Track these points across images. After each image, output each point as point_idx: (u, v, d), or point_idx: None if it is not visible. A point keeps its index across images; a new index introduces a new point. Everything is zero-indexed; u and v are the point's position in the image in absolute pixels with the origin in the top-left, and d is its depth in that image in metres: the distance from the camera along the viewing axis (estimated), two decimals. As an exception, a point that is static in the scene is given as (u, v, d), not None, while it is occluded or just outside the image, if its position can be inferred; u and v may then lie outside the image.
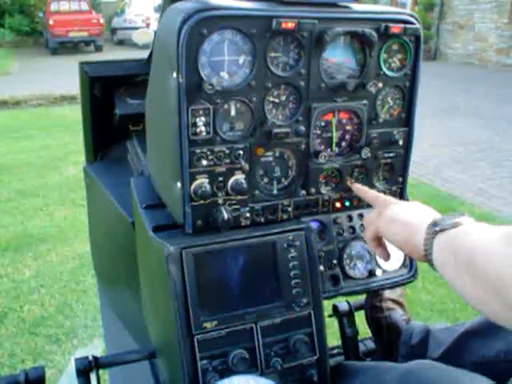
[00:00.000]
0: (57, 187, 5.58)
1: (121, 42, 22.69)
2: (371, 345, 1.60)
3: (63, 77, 12.40)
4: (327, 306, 1.53)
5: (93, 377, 1.24)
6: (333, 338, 1.81)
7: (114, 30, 23.61)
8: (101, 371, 1.25)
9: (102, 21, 20.52)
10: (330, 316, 1.51)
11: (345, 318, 1.48)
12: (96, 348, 2.96)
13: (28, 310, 3.35)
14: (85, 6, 21.22)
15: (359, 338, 1.53)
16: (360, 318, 1.54)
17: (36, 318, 3.27)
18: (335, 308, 1.49)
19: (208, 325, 0.98)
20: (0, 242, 4.30)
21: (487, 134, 7.52)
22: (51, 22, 19.30)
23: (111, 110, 1.61)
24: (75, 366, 1.22)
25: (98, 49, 20.20)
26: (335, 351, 1.58)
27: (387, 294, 1.54)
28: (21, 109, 9.99)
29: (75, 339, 3.10)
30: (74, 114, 7.73)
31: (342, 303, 1.49)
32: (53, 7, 20.52)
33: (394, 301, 1.56)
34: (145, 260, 1.18)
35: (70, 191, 5.32)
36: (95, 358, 1.23)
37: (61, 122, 8.30)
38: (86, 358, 1.23)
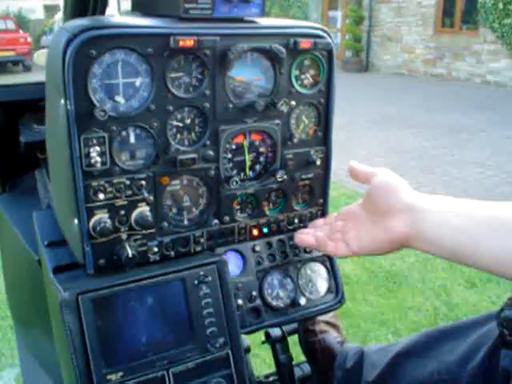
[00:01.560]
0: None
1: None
2: (307, 368, 1.54)
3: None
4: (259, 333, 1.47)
5: None
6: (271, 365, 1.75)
7: (43, 49, 22.95)
8: None
9: (29, 39, 19.89)
10: (263, 343, 1.45)
11: (278, 344, 1.41)
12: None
13: None
14: (11, 25, 20.49)
15: (295, 362, 1.47)
16: (295, 340, 1.48)
17: (-44, 360, 3.03)
18: (267, 334, 1.42)
19: (112, 377, 0.88)
20: None
21: (419, 142, 7.75)
22: (-24, 42, 18.52)
23: (16, 136, 1.49)
24: None
25: (27, 69, 19.51)
26: (271, 379, 1.52)
27: (320, 316, 1.49)
28: None
29: (1, 381, 2.89)
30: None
31: (275, 329, 1.43)
32: (-23, 27, 19.72)
33: (327, 323, 1.51)
34: (51, 302, 1.08)
35: None
36: None
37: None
38: None
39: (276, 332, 1.42)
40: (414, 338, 1.25)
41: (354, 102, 10.40)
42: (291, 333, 1.47)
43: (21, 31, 20.50)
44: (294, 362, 1.45)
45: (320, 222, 1.15)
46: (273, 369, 1.54)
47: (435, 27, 14.67)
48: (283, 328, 1.44)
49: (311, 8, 18.59)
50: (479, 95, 11.83)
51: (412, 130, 8.52)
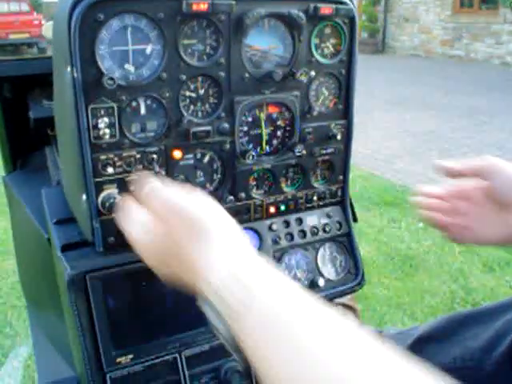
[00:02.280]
0: (-4, 197, 5.30)
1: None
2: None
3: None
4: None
5: None
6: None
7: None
8: None
9: (43, 21, 19.85)
10: None
11: None
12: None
13: (-37, 332, 3.12)
14: (25, 7, 20.47)
15: None
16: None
17: (-28, 340, 3.05)
18: None
19: (122, 359, 0.84)
20: None
21: (436, 124, 7.61)
22: (-10, 25, 18.56)
23: (26, 113, 1.45)
24: None
25: (41, 51, 19.53)
26: None
27: (337, 299, 1.45)
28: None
29: (16, 360, 2.90)
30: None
31: None
32: (-9, 9, 19.74)
33: (344, 305, 1.47)
34: (60, 282, 1.04)
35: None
36: None
37: None
38: None
39: None
40: (436, 323, 1.21)
41: (370, 84, 10.23)
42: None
43: (35, 13, 20.49)
44: None
45: (431, 192, 1.06)
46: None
47: (454, 7, 14.34)
48: None
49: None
50: (498, 77, 11.58)
51: (429, 111, 8.37)
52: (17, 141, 1.52)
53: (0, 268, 3.87)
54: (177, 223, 0.66)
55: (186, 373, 0.89)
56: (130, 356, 0.85)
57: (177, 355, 0.89)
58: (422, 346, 1.19)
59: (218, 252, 0.63)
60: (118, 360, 0.84)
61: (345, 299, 1.47)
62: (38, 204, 1.25)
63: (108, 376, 0.84)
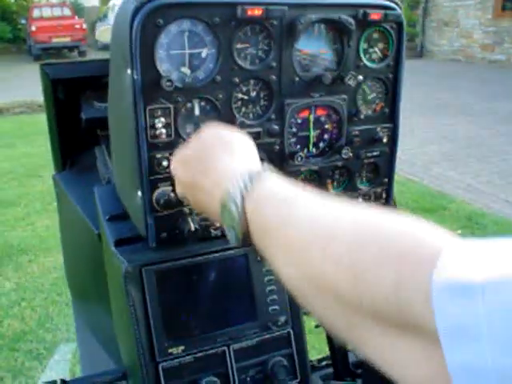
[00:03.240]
0: (39, 196, 5.45)
1: (105, 48, 22.47)
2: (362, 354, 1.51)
3: (46, 83, 12.22)
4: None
5: None
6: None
7: (106, 26, 23.42)
8: None
9: (84, 26, 20.34)
10: (317, 326, 1.42)
11: None
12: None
13: (8, 325, 3.23)
14: (67, 12, 21.04)
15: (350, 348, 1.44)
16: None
17: (16, 333, 3.15)
18: None
19: (174, 350, 0.88)
20: (-21, 254, 4.17)
21: (475, 130, 7.48)
22: (34, 29, 19.10)
23: (77, 114, 1.51)
24: None
25: (82, 54, 20.00)
26: (324, 363, 1.49)
27: None
28: (2, 117, 9.83)
29: (57, 354, 2.99)
30: (57, 121, 7.63)
31: None
32: (35, 13, 20.32)
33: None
34: (111, 276, 1.08)
35: (53, 200, 5.11)
36: (64, 381, 1.13)
37: (44, 129, 8.03)
38: (55, 382, 1.13)
39: None
40: None
41: (408, 89, 10.06)
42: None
43: (76, 18, 21.01)
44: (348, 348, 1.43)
45: None
46: (323, 355, 1.52)
47: (495, 11, 14.07)
48: None
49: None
50: (540, 82, 11.32)
51: (468, 117, 8.24)
52: (67, 141, 1.58)
53: (42, 265, 3.99)
54: (211, 141, 0.77)
55: (234, 366, 0.92)
56: (182, 347, 0.88)
57: (225, 348, 0.92)
58: None
59: (240, 162, 0.73)
60: (170, 351, 0.88)
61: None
62: (87, 202, 1.30)
63: (160, 366, 0.87)
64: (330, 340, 1.40)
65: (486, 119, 8.06)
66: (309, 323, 1.42)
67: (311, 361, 1.54)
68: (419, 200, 4.95)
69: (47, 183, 5.81)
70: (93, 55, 20.08)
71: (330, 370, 1.42)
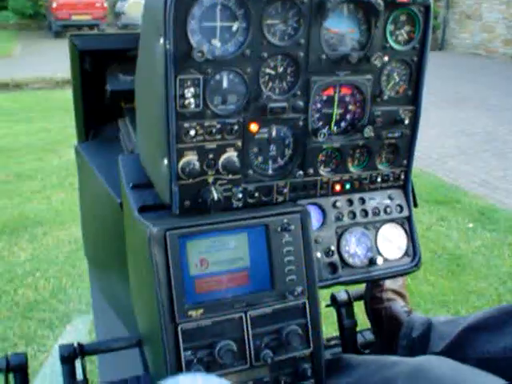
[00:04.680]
0: (55, 170, 5.52)
1: (125, 27, 22.49)
2: (370, 336, 1.54)
3: (66, 60, 12.26)
4: (326, 295, 1.47)
5: (78, 364, 1.18)
6: (332, 329, 1.75)
7: (117, 15, 23.42)
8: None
9: (105, 4, 20.33)
10: (327, 306, 1.45)
11: (343, 309, 1.41)
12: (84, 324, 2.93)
13: (22, 294, 3.30)
14: (88, -10, 21.03)
15: (358, 329, 1.46)
16: (359, 308, 1.47)
17: (30, 302, 3.22)
18: (333, 298, 1.42)
19: (193, 313, 0.91)
20: (-4, 225, 4.25)
21: (493, 125, 7.41)
22: (54, 5, 19.10)
23: (103, 85, 1.53)
24: (59, 353, 1.16)
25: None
26: (332, 342, 1.52)
27: (388, 284, 1.47)
28: (22, 91, 9.91)
29: (69, 324, 3.05)
30: (75, 98, 7.71)
31: (341, 293, 1.43)
32: (56, -10, 20.34)
33: (395, 291, 1.49)
34: (131, 243, 1.12)
35: (69, 175, 5.25)
36: (80, 345, 1.17)
37: (61, 105, 8.20)
38: (71, 344, 1.17)
39: (342, 296, 1.41)
40: (487, 313, 1.22)
41: (427, 81, 9.99)
42: (357, 298, 1.46)
43: (97, -4, 20.99)
44: (357, 329, 1.45)
45: None
46: (331, 335, 1.55)
47: (519, 6, 13.87)
48: (350, 292, 1.43)
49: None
50: (563, 80, 11.15)
51: (486, 112, 8.16)
52: (91, 112, 1.60)
53: (56, 238, 4.06)
54: None
55: (250, 331, 0.95)
56: (201, 311, 0.91)
57: (243, 314, 0.95)
58: (471, 335, 1.20)
59: None
60: (190, 313, 0.91)
61: (395, 285, 1.50)
62: (109, 171, 1.33)
63: (179, 327, 0.90)
64: (340, 320, 1.42)
65: (505, 115, 7.98)
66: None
67: (323, 344, 1.58)
68: (432, 192, 4.95)
69: (64, 158, 5.88)
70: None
71: (339, 349, 1.45)
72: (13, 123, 7.45)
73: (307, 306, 1.00)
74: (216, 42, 0.90)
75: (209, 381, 0.73)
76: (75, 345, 1.17)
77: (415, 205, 1.19)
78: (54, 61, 13.06)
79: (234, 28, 0.91)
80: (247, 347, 0.95)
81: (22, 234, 4.11)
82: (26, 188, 5.05)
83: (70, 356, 1.15)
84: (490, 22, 14.70)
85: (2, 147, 6.29)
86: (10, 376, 1.16)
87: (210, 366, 0.92)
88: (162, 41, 0.86)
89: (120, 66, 1.55)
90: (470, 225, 4.34)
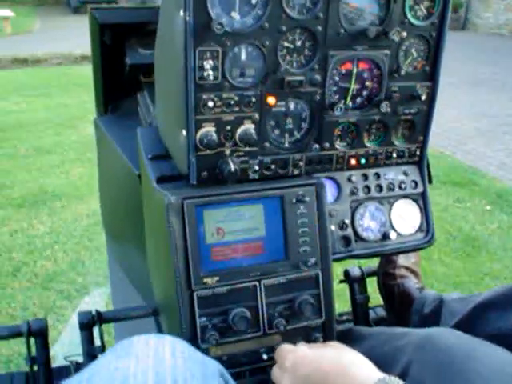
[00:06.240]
0: (74, 146, 5.58)
1: (143, 1, 22.40)
2: (382, 313, 1.56)
3: (84, 36, 12.27)
4: (340, 273, 1.49)
5: (96, 331, 1.22)
6: (345, 306, 1.78)
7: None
8: (106, 325, 1.24)
9: (124, -20, 20.24)
10: (341, 282, 1.47)
11: (356, 284, 1.43)
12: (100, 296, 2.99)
13: (41, 266, 3.38)
14: (107, -35, 20.92)
15: (370, 305, 1.48)
16: (372, 286, 1.49)
17: (49, 274, 3.29)
18: (346, 273, 1.44)
19: (209, 280, 0.94)
20: (15, 198, 4.32)
21: (514, 108, 7.31)
22: (73, -20, 19.09)
23: (122, 59, 1.55)
24: (78, 320, 1.20)
25: (120, 9, 19.98)
26: (344, 317, 1.55)
27: (401, 261, 1.49)
28: (41, 67, 9.97)
29: (86, 295, 3.12)
30: (94, 74, 7.75)
31: (354, 268, 1.45)
32: (75, -35, 20.28)
33: (407, 268, 1.51)
34: (149, 213, 1.14)
35: (87, 150, 5.30)
36: (98, 312, 1.21)
37: (80, 81, 8.26)
38: (90, 312, 1.21)
39: (355, 272, 1.43)
40: (499, 290, 1.22)
41: (447, 62, 9.77)
42: (370, 274, 1.48)
43: (116, -30, 20.90)
44: (369, 305, 1.47)
45: None
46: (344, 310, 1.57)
47: (546, -15, 13.53)
48: (362, 268, 1.45)
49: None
50: None
51: (508, 94, 8.02)
52: (110, 86, 1.62)
53: (74, 211, 4.13)
54: (334, 373, 0.82)
55: (264, 300, 0.98)
56: (216, 278, 0.94)
57: (256, 283, 0.98)
58: (483, 312, 1.21)
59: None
60: (205, 280, 0.94)
61: (408, 262, 1.51)
62: (128, 144, 1.35)
63: (195, 294, 0.93)
64: (353, 295, 1.44)
65: (527, 97, 7.86)
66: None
67: (334, 315, 1.60)
68: (451, 174, 4.91)
69: (82, 133, 5.94)
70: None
71: (351, 324, 1.47)
72: (33, 98, 7.53)
73: (320, 277, 1.02)
74: (235, 15, 0.91)
75: (161, 340, 0.75)
76: (93, 312, 1.21)
77: (430, 181, 1.20)
78: (73, 36, 13.09)
79: (253, 1, 0.91)
80: (261, 315, 0.98)
81: (41, 207, 4.18)
82: (44, 162, 5.12)
83: (89, 323, 1.19)
84: (514, 2, 14.37)
85: (22, 122, 6.37)
86: (32, 340, 1.21)
87: (223, 332, 0.95)
88: (181, 13, 0.88)
89: (139, 39, 1.56)
90: (488, 207, 4.31)
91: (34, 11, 19.60)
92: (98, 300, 3.06)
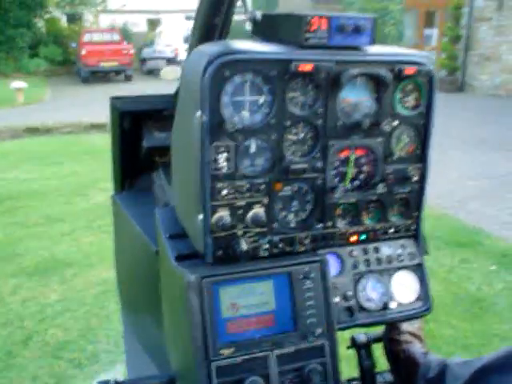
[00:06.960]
0: (84, 213, 5.72)
1: (150, 72, 23.22)
2: (389, 378, 1.60)
3: (93, 105, 12.73)
4: (346, 338, 1.55)
5: None
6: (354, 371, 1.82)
7: (143, 61, 24.21)
8: None
9: (132, 51, 21.11)
10: (348, 348, 1.53)
11: (362, 350, 1.50)
12: (118, 373, 3.00)
13: (52, 334, 3.42)
14: (116, 37, 21.92)
15: (378, 370, 1.54)
16: (380, 350, 1.55)
17: (60, 342, 3.34)
18: (353, 340, 1.50)
19: (225, 351, 1.02)
20: (27, 266, 4.41)
21: (514, 167, 7.45)
22: (83, 52, 19.94)
23: (139, 142, 1.68)
24: None
25: (128, 78, 20.72)
26: (353, 383, 1.59)
27: (405, 327, 1.54)
28: (51, 136, 10.29)
29: (97, 364, 3.14)
30: (103, 142, 7.96)
31: (360, 335, 1.51)
32: (86, 38, 21.26)
33: (412, 334, 1.56)
34: (167, 287, 1.23)
35: (97, 218, 5.44)
36: (117, 382, 1.27)
37: (90, 149, 8.53)
38: (108, 381, 1.27)
39: (361, 338, 1.50)
40: (500, 354, 1.27)
41: (447, 123, 10.12)
42: (376, 340, 1.54)
43: (125, 43, 21.84)
44: (376, 370, 1.53)
45: None
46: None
47: (538, 48, 14.02)
48: (368, 335, 1.52)
49: (406, 26, 18.38)
50: None
51: (508, 154, 8.19)
52: (128, 166, 1.75)
53: (85, 279, 4.20)
54: None
55: (276, 369, 1.06)
56: (232, 349, 1.02)
57: (269, 353, 1.06)
58: (485, 375, 1.25)
59: None
60: (222, 351, 1.02)
61: (412, 328, 1.57)
62: (145, 221, 1.45)
63: (213, 364, 1.01)
64: (360, 361, 1.50)
65: (526, 156, 8.02)
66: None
67: (340, 381, 1.65)
68: (454, 234, 4.98)
69: (91, 201, 6.10)
70: (138, 79, 20.74)
71: None
72: (44, 166, 7.75)
73: (326, 347, 1.10)
74: (245, 113, 1.04)
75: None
76: (112, 382, 1.27)
77: (426, 252, 1.29)
78: (82, 106, 13.58)
79: (261, 101, 1.04)
80: (273, 383, 1.05)
81: (52, 275, 4.26)
82: (55, 230, 5.24)
83: None
84: (509, 63, 14.84)
85: (34, 190, 6.55)
86: None
87: None
88: (198, 113, 1.00)
89: (155, 123, 1.70)
90: (493, 267, 4.35)
91: (45, 81, 20.35)
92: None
